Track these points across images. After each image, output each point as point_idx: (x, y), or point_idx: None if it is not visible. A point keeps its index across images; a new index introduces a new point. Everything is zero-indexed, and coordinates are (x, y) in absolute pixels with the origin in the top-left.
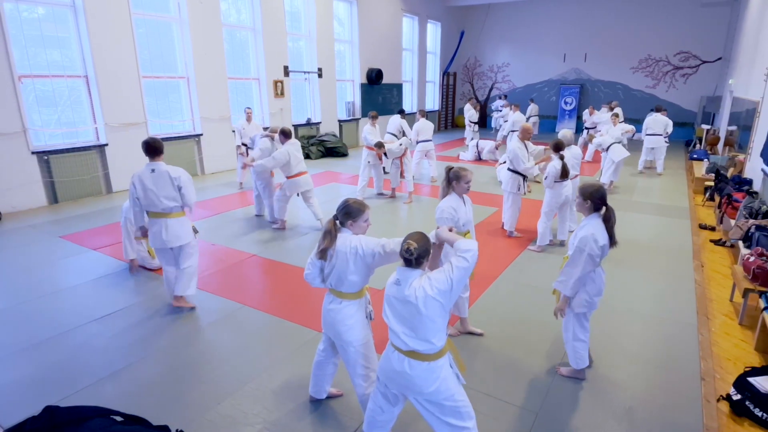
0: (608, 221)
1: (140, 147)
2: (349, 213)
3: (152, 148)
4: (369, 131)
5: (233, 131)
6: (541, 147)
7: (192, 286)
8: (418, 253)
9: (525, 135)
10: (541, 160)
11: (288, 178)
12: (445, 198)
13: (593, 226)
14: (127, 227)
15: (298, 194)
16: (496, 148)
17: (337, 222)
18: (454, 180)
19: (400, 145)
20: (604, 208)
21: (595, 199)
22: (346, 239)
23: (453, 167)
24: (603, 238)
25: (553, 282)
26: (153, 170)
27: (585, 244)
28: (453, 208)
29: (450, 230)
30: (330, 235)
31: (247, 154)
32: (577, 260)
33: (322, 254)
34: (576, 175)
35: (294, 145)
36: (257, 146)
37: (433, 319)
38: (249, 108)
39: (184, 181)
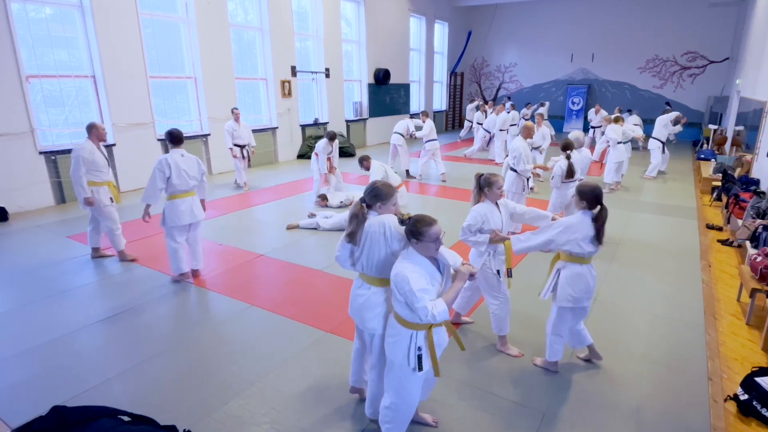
0: (597, 220)
1: (146, 145)
2: (377, 195)
3: (178, 138)
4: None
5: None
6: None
7: None
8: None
9: (527, 133)
10: (537, 166)
11: None
12: (479, 204)
13: (576, 217)
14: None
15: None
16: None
17: (364, 205)
18: (485, 187)
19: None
20: (598, 207)
21: (590, 199)
22: (375, 220)
23: (483, 174)
24: (580, 231)
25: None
26: (183, 155)
27: (561, 223)
28: (484, 215)
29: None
30: (357, 218)
31: (242, 155)
32: (545, 231)
33: (351, 238)
34: (581, 179)
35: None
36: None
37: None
38: (236, 108)
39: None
